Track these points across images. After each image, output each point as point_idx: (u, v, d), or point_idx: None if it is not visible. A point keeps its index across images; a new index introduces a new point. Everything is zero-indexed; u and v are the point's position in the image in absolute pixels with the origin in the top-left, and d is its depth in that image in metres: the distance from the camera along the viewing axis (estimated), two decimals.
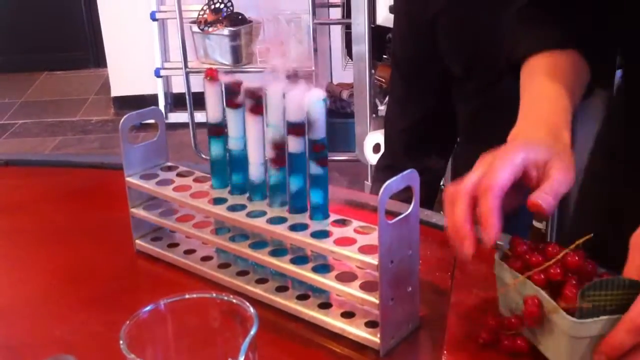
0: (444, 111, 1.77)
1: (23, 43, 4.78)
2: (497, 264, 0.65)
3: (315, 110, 0.67)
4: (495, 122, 0.87)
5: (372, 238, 0.66)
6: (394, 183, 0.61)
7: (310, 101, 0.66)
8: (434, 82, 1.77)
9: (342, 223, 0.70)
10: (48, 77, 4.77)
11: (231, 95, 0.73)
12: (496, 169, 0.64)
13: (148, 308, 0.53)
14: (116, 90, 4.05)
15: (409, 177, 0.62)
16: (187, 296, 0.54)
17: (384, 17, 2.31)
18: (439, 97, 1.77)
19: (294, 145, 0.69)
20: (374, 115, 2.49)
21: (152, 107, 0.83)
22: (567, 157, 0.68)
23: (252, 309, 0.52)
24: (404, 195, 0.65)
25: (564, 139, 0.71)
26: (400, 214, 0.62)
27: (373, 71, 2.44)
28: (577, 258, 0.60)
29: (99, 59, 4.65)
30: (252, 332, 0.49)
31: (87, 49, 4.85)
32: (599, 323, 0.57)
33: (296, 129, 0.68)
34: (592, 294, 0.56)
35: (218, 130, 0.77)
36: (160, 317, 0.53)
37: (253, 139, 0.73)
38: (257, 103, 0.71)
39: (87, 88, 4.51)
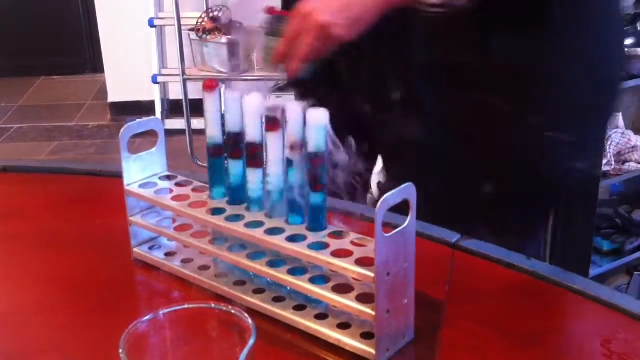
0: None
1: (21, 47, 4.78)
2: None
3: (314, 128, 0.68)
4: None
5: (369, 250, 0.66)
6: (390, 197, 0.62)
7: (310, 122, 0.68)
8: None
9: (339, 235, 0.71)
10: (45, 82, 4.77)
11: None
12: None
13: (147, 317, 0.53)
14: (113, 96, 4.06)
15: (406, 191, 0.63)
16: (186, 306, 0.55)
17: None
18: None
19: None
20: None
21: (153, 117, 0.84)
22: None
23: (250, 320, 0.52)
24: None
25: None
26: (397, 226, 0.63)
27: None
28: None
29: (96, 65, 4.65)
30: (251, 342, 0.50)
31: (85, 55, 4.85)
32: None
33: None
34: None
35: (218, 152, 0.78)
36: (159, 326, 0.54)
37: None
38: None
39: (84, 93, 4.51)
